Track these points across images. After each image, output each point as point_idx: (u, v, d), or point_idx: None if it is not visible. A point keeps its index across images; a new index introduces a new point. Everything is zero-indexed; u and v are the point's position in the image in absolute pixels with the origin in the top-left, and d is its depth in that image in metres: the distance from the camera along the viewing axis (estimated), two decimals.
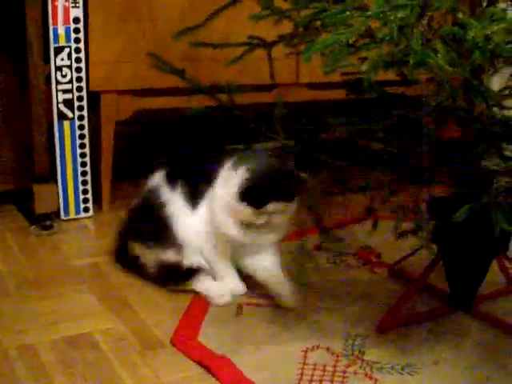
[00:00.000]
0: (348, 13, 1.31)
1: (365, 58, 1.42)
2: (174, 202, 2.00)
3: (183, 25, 2.42)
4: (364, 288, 2.01)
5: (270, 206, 1.84)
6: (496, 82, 1.83)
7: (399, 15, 1.32)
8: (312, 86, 2.80)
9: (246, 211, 1.85)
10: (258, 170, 1.85)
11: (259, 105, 2.60)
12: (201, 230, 1.98)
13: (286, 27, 1.75)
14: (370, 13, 1.28)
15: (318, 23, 1.60)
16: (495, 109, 1.69)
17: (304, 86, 2.79)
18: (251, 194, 1.83)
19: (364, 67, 1.35)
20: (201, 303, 1.92)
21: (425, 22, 1.38)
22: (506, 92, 1.74)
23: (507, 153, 1.68)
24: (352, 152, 1.72)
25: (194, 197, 2.00)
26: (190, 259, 1.98)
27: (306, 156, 1.77)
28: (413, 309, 1.88)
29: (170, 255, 1.99)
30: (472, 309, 1.87)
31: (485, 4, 1.49)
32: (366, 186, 1.74)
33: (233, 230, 1.90)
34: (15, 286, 1.99)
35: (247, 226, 1.89)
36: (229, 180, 1.88)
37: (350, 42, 1.37)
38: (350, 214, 2.36)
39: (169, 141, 2.63)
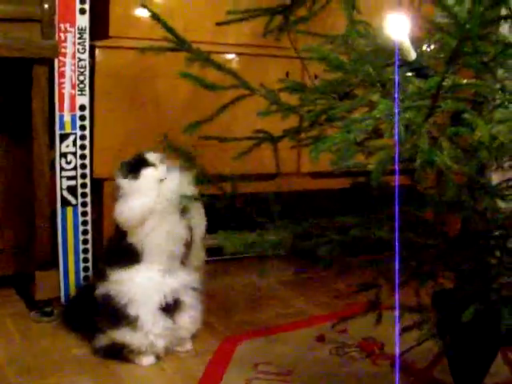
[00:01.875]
0: (357, 115, 1.32)
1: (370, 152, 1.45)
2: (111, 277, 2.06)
3: (187, 113, 2.47)
4: (367, 381, 1.99)
5: (150, 156, 2.06)
6: (496, 175, 1.85)
7: (407, 116, 1.34)
8: (314, 175, 2.83)
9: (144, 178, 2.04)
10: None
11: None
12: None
13: (290, 120, 1.78)
14: (378, 115, 1.30)
15: (323, 117, 1.63)
16: (498, 201, 1.71)
17: (306, 175, 2.83)
18: (131, 164, 2.06)
19: (371, 166, 1.36)
20: None
21: (431, 121, 1.40)
22: (510, 184, 1.76)
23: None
24: (356, 244, 1.73)
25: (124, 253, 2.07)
26: (144, 333, 2.01)
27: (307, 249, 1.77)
28: None
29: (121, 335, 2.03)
30: None
31: (491, 105, 1.52)
32: (370, 283, 1.74)
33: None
34: (14, 375, 1.95)
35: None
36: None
37: (358, 140, 1.39)
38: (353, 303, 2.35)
39: None
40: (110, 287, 2.04)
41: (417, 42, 1.63)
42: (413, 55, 1.53)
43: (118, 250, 2.09)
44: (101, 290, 2.06)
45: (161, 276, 2.04)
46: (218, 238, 1.79)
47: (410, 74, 1.45)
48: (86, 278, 2.44)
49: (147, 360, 2.04)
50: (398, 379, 1.84)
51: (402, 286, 1.69)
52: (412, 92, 1.38)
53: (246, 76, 1.84)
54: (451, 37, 1.27)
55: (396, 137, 1.33)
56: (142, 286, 2.01)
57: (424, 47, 1.68)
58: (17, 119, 2.47)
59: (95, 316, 2.08)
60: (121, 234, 2.08)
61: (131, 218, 2.03)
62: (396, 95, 1.34)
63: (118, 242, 2.09)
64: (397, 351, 1.86)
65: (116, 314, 2.01)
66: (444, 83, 1.33)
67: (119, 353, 2.04)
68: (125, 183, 2.04)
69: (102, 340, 2.06)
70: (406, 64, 1.51)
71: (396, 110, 1.32)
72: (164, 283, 2.04)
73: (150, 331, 2.00)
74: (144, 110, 2.54)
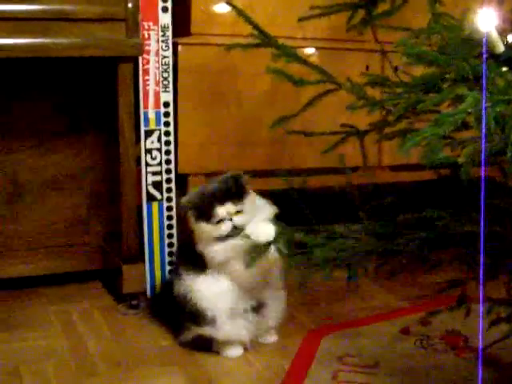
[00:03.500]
0: (449, 109, 1.32)
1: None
2: (186, 279, 2.07)
3: (268, 108, 2.50)
4: (452, 375, 1.98)
5: (220, 211, 1.96)
6: None
7: (497, 109, 1.33)
8: (395, 168, 2.82)
9: (207, 227, 1.98)
10: (196, 191, 2.06)
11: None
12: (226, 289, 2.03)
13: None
14: (468, 108, 1.30)
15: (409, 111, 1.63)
16: None
17: (386, 168, 2.82)
18: (199, 210, 2.00)
19: (462, 160, 1.36)
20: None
21: None
22: None
23: None
24: (444, 239, 1.72)
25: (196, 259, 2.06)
26: (226, 331, 2.03)
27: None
28: None
29: (205, 331, 2.05)
30: None
31: None
32: (458, 280, 1.74)
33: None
34: (104, 367, 2.00)
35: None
36: None
37: (446, 133, 1.39)
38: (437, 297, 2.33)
39: None
40: (185, 288, 2.07)
41: (503, 34, 1.61)
42: (501, 47, 1.51)
43: (190, 252, 2.10)
44: (177, 287, 2.09)
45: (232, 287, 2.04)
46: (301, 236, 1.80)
47: (503, 68, 1.43)
48: (171, 271, 2.47)
49: (235, 352, 2.07)
50: (480, 372, 1.84)
51: (492, 279, 1.68)
52: (502, 85, 1.37)
53: (326, 70, 1.85)
54: None
55: (483, 130, 1.32)
56: (213, 295, 2.03)
57: (510, 38, 1.66)
58: (103, 117, 2.54)
59: (177, 312, 2.11)
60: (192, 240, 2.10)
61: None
62: (484, 88, 1.34)
63: (190, 245, 2.10)
64: (480, 345, 1.85)
65: (195, 314, 2.04)
66: None
67: (207, 345, 2.07)
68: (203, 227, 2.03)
69: (188, 334, 2.10)
70: (493, 56, 1.50)
71: (484, 104, 1.31)
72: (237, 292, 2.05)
73: (229, 330, 2.04)
74: (226, 105, 2.57)
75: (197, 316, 2.04)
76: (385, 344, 2.16)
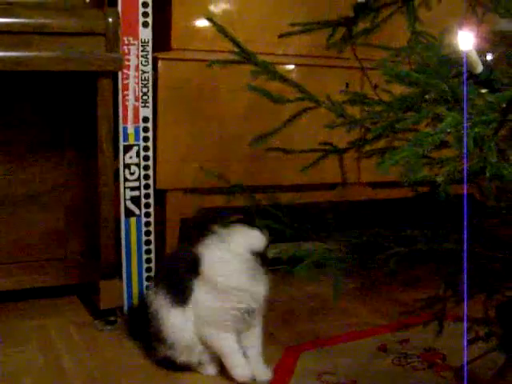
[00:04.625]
0: (428, 129, 1.33)
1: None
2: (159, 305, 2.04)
3: (248, 124, 2.50)
4: None
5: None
6: None
7: (476, 129, 1.33)
8: (374, 185, 2.83)
9: None
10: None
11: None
12: (190, 326, 2.00)
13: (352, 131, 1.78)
14: (448, 129, 1.30)
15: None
16: None
17: (365, 185, 2.83)
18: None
19: (440, 178, 1.36)
20: None
21: (501, 134, 1.40)
22: None
23: None
24: (423, 256, 1.72)
25: (178, 292, 2.02)
26: (186, 357, 2.03)
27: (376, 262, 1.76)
28: None
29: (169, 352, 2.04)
30: None
31: None
32: (437, 297, 1.74)
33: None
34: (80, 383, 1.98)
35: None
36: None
37: (426, 153, 1.39)
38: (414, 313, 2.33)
39: None
40: (156, 313, 2.04)
41: (481, 53, 1.62)
42: (480, 67, 1.52)
43: (175, 279, 2.06)
44: (151, 307, 2.07)
45: None
46: (281, 250, 1.80)
47: (482, 88, 1.44)
48: (148, 287, 2.46)
49: (210, 369, 2.06)
50: None
51: (469, 298, 1.68)
52: (481, 105, 1.37)
53: (305, 87, 1.85)
54: None
55: (464, 150, 1.33)
56: (177, 329, 2.01)
57: (489, 58, 1.67)
58: (82, 131, 2.53)
59: (148, 329, 2.10)
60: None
61: None
62: (465, 108, 1.34)
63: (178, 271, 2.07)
64: (464, 361, 1.85)
65: (160, 336, 2.03)
66: None
67: (176, 365, 2.05)
68: None
69: (158, 353, 2.08)
70: (473, 76, 1.51)
71: (465, 124, 1.32)
72: None
73: (189, 357, 2.03)
74: (206, 121, 2.57)
75: (160, 339, 2.03)
76: (363, 361, 2.16)
